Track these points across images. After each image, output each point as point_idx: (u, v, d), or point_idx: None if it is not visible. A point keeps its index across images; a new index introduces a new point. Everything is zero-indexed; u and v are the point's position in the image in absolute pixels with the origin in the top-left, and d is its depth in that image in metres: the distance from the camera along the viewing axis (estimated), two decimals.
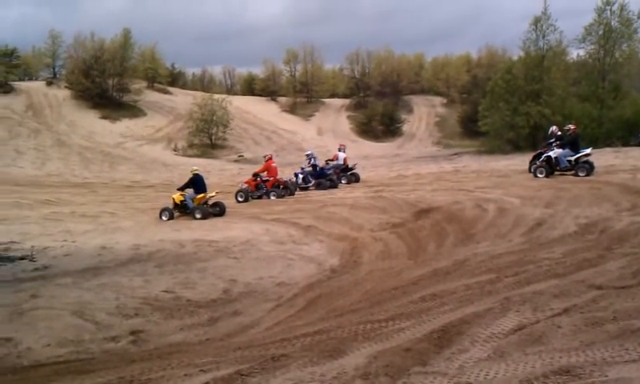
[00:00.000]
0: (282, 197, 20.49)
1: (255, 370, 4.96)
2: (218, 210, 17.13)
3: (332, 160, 24.32)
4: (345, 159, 24.44)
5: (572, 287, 6.92)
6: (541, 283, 7.26)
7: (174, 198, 17.35)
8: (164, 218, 16.63)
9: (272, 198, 20.42)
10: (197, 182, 17.46)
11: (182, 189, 17.55)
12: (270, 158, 22.11)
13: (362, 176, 24.45)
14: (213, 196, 17.50)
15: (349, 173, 23.98)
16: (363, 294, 8.30)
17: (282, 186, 21.07)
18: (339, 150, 24.79)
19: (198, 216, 16.62)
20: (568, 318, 5.79)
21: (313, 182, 22.68)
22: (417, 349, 5.29)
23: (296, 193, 21.28)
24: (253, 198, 20.39)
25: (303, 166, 23.72)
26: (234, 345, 6.54)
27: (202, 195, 17.19)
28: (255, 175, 21.24)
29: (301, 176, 22.91)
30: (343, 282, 9.58)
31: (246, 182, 21.29)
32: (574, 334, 5.28)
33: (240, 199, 20.00)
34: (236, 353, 5.87)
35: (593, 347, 4.90)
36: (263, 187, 20.83)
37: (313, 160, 23.29)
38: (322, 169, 23.27)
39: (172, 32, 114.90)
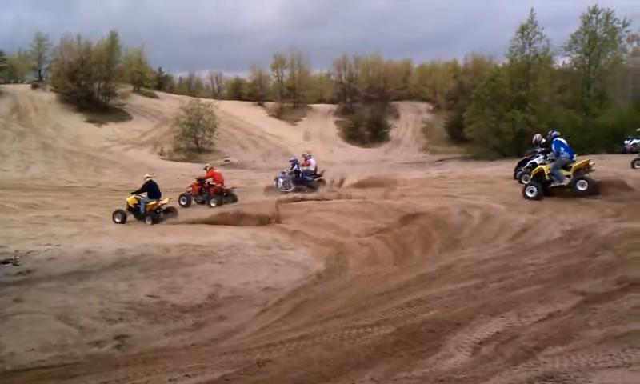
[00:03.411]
0: (222, 204, 20.29)
1: (240, 375, 4.94)
2: (170, 216, 17.48)
3: (303, 166, 24.50)
4: (315, 166, 24.84)
5: (556, 293, 6.97)
6: (526, 289, 7.31)
7: (127, 201, 17.70)
8: (117, 219, 17.03)
9: (212, 204, 20.32)
10: (151, 188, 17.80)
11: (136, 193, 17.91)
12: (212, 169, 22.16)
13: (348, 182, 24.46)
14: (165, 203, 17.84)
15: (316, 179, 24.14)
16: (349, 300, 8.28)
17: (225, 194, 21.13)
18: (306, 158, 25.04)
19: (149, 222, 16.96)
20: (552, 324, 5.83)
21: (293, 187, 22.98)
22: (402, 354, 5.31)
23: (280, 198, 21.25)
24: (197, 202, 20.74)
25: (284, 171, 24.05)
26: (220, 350, 6.51)
27: (154, 202, 17.48)
28: (200, 180, 21.40)
29: (281, 180, 23.19)
30: (329, 288, 9.56)
31: (190, 186, 21.58)
32: (558, 340, 5.32)
33: (182, 203, 20.36)
34: (221, 358, 5.84)
35: (577, 353, 4.94)
36: (205, 192, 21.01)
37: (296, 166, 23.58)
38: (303, 175, 23.48)
39: (160, 36, 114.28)
